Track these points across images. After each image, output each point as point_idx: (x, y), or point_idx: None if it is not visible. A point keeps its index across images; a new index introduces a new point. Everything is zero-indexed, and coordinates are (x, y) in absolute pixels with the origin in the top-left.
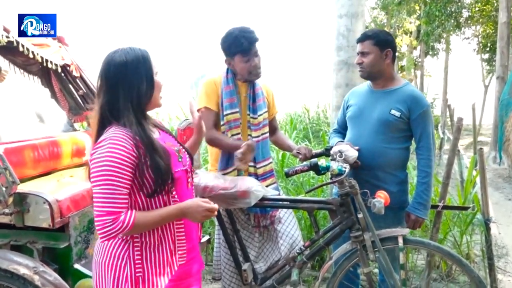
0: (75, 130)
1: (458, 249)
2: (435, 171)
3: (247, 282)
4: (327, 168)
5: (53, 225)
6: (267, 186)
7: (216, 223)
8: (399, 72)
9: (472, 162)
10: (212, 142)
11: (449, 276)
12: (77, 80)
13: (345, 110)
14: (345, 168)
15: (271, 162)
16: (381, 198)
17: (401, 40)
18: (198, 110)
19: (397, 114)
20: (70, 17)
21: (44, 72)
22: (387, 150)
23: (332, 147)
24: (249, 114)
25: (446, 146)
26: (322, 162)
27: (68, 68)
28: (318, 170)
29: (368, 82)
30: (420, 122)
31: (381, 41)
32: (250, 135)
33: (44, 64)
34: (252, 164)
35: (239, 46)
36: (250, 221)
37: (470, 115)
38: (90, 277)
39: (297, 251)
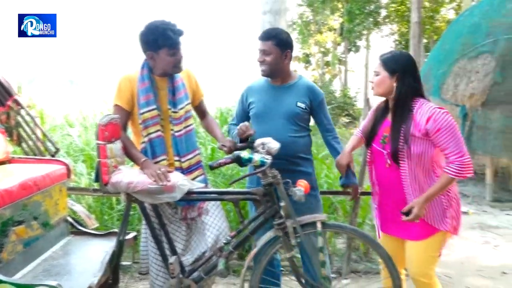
0: None
1: (376, 232)
2: (356, 159)
3: (174, 275)
4: (250, 160)
5: None
6: (194, 179)
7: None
8: (325, 67)
9: None
10: (121, 143)
11: (367, 256)
12: None
13: (245, 106)
14: (267, 159)
15: (197, 155)
16: (301, 187)
17: (326, 36)
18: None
19: (303, 106)
20: (70, 17)
21: None
22: (298, 138)
23: (255, 140)
24: (170, 109)
25: None
26: (245, 154)
27: None
28: (240, 162)
29: (265, 79)
30: (321, 108)
31: (282, 43)
32: (173, 129)
33: None
34: (177, 158)
35: (168, 39)
36: (178, 214)
37: None
38: (6, 282)
39: (224, 241)
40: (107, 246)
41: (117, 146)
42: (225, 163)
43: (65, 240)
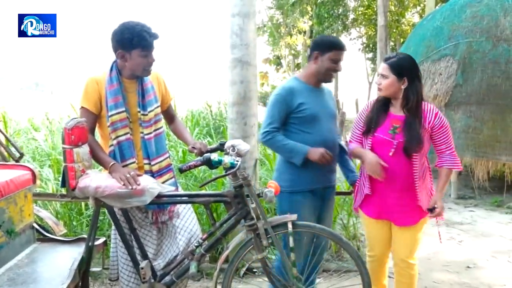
0: None
1: (346, 231)
2: None
3: (145, 280)
4: (220, 162)
5: None
6: (164, 182)
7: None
8: (296, 69)
9: None
10: (89, 146)
11: (338, 255)
12: None
13: (291, 108)
14: (237, 161)
15: (167, 158)
16: (271, 188)
17: (296, 39)
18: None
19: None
20: (70, 17)
21: None
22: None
23: (225, 142)
24: (139, 111)
25: None
26: (215, 156)
27: None
28: (210, 164)
29: (299, 80)
30: None
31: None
32: (142, 132)
33: None
34: (146, 161)
35: (143, 40)
36: (148, 218)
37: (359, 108)
38: None
39: (195, 244)
40: (76, 252)
41: (84, 150)
42: (195, 166)
43: (31, 248)
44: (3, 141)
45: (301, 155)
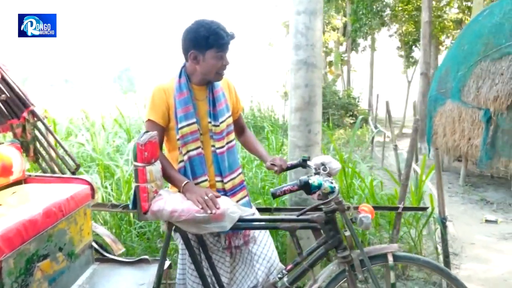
0: None
1: (415, 247)
2: (383, 167)
3: None
4: (319, 187)
5: None
6: (237, 201)
7: (181, 247)
8: (327, 67)
9: (424, 162)
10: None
11: (404, 274)
12: None
13: None
14: (334, 184)
15: (240, 173)
16: (366, 213)
17: (329, 36)
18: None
19: None
20: (70, 17)
21: None
22: None
23: (308, 157)
24: (210, 122)
25: (377, 138)
26: (314, 180)
27: None
28: (309, 189)
29: None
30: None
31: None
32: (214, 145)
33: None
34: (219, 178)
35: (220, 39)
36: (220, 242)
37: (395, 108)
38: None
39: (279, 275)
40: (138, 276)
41: (156, 167)
42: (291, 191)
43: (90, 270)
44: (59, 151)
45: None
